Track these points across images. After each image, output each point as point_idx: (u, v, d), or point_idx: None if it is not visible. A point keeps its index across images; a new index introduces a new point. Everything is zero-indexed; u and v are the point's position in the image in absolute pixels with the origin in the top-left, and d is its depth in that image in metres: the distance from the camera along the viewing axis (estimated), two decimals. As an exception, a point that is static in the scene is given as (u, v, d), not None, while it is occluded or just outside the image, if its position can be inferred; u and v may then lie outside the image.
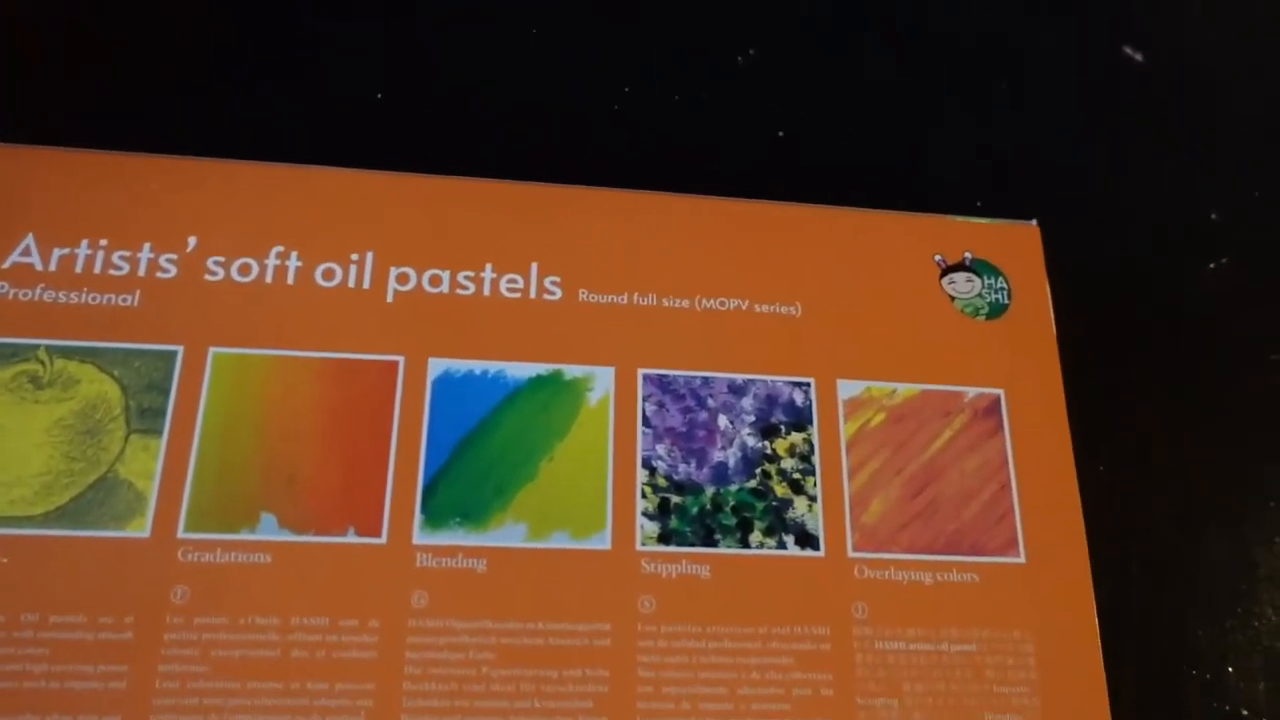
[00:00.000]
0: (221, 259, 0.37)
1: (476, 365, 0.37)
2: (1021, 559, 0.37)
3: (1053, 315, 0.41)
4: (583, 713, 0.33)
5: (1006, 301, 0.41)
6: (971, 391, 0.39)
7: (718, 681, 0.34)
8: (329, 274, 0.37)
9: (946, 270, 0.41)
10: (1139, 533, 0.40)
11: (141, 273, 0.36)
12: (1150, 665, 0.38)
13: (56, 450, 0.33)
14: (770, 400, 0.38)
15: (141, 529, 0.33)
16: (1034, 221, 0.43)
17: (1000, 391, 0.39)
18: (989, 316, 0.40)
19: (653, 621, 0.34)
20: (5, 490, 0.33)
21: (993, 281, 0.41)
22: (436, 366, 0.36)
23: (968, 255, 0.41)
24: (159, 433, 0.34)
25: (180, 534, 0.33)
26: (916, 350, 0.39)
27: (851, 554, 0.36)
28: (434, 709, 0.32)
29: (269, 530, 0.34)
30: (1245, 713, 0.39)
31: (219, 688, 0.32)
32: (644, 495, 0.36)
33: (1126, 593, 0.38)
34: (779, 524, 0.36)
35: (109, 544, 0.33)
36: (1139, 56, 0.48)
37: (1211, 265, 0.46)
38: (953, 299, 0.40)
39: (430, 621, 0.33)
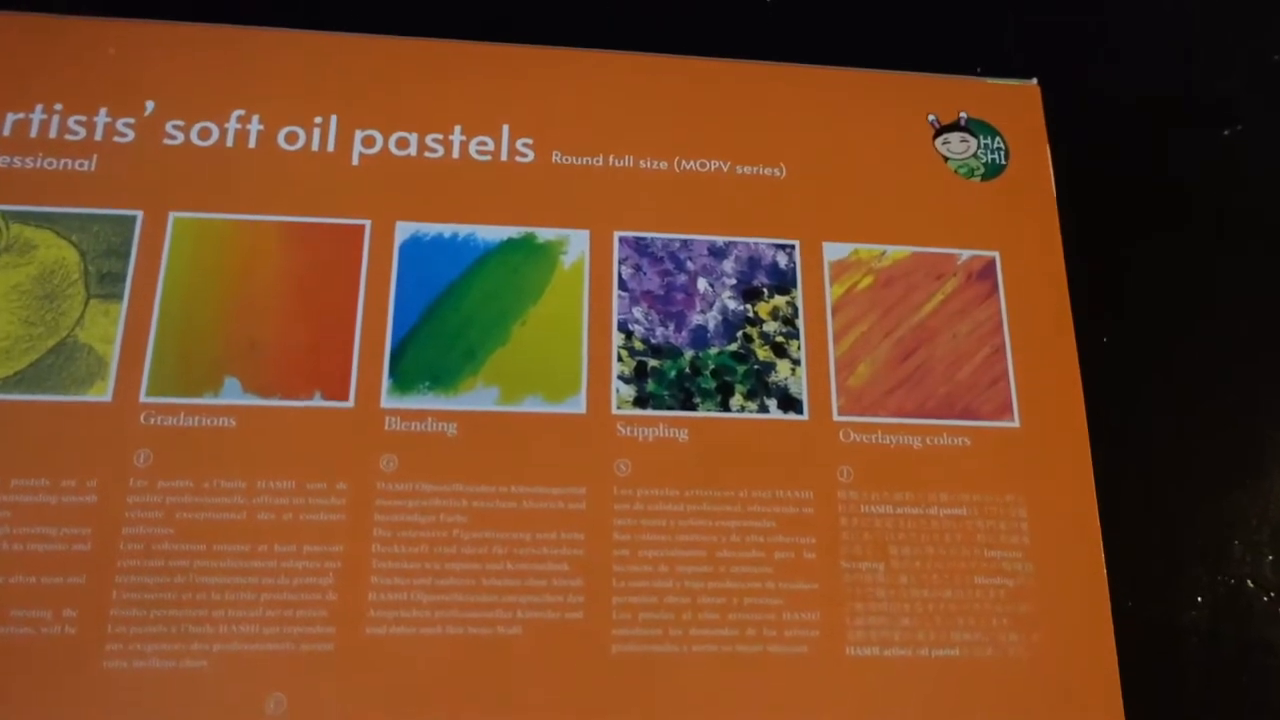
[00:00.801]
0: (180, 123, 0.35)
1: (446, 228, 0.35)
2: (1016, 423, 0.35)
3: (1053, 177, 0.39)
4: (558, 575, 0.32)
5: (1004, 162, 0.39)
6: (965, 254, 0.37)
7: (696, 545, 0.33)
8: (292, 138, 0.36)
9: (940, 131, 0.39)
10: (1140, 400, 0.38)
11: (98, 137, 0.35)
12: (1150, 535, 0.37)
13: (14, 315, 0.33)
14: (752, 263, 0.36)
15: (103, 393, 0.32)
16: (1034, 80, 0.41)
17: (995, 254, 0.38)
18: (985, 178, 0.39)
19: (629, 485, 0.33)
20: (-37, 355, 0.32)
21: (989, 142, 0.39)
22: (404, 230, 0.35)
23: (963, 115, 0.39)
24: (119, 297, 0.33)
25: (142, 398, 0.32)
26: (907, 212, 0.38)
27: (837, 417, 0.35)
28: (404, 570, 0.32)
29: (233, 394, 0.33)
30: (1250, 584, 0.38)
31: (184, 550, 0.31)
32: (620, 359, 0.35)
33: (1125, 461, 0.37)
34: (761, 387, 0.35)
35: (70, 408, 0.32)
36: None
37: (1226, 132, 0.44)
38: (946, 160, 0.39)
39: (399, 485, 0.32)
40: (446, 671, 0.31)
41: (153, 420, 0.32)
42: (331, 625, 0.31)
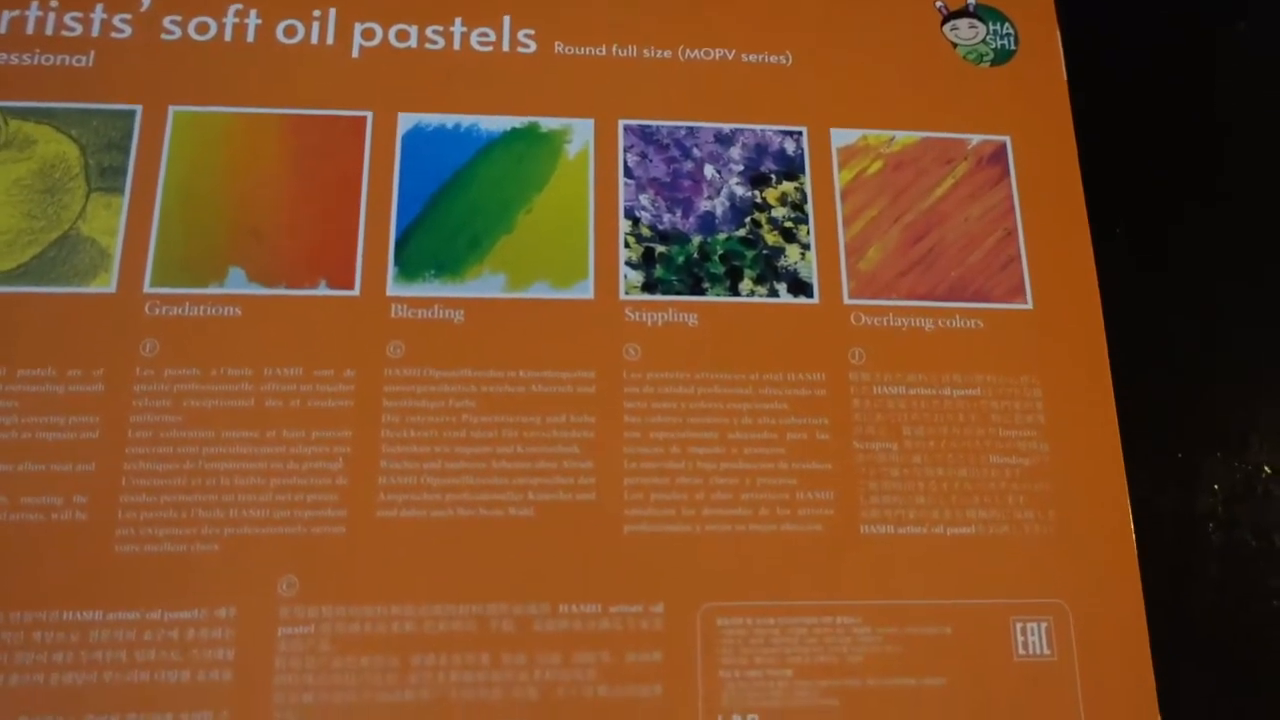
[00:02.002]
0: (177, 18, 0.35)
1: (448, 119, 0.35)
2: (1029, 305, 0.35)
3: (1063, 61, 0.39)
4: (568, 457, 0.32)
5: (1013, 48, 0.38)
6: (975, 139, 0.37)
7: (708, 426, 0.33)
8: (290, 30, 0.35)
9: (948, 17, 0.38)
10: (1154, 283, 0.38)
11: (95, 33, 0.34)
12: (1166, 417, 0.36)
13: (16, 209, 0.32)
14: (760, 149, 0.36)
15: (107, 284, 0.32)
16: (1043, -34, 0.40)
17: (1006, 138, 0.37)
18: (994, 63, 0.38)
19: (639, 369, 0.33)
20: (-34, 249, 0.32)
21: (998, 27, 0.38)
22: (406, 121, 0.35)
23: (970, 1, 0.39)
24: (120, 191, 0.33)
25: (147, 289, 0.32)
26: (916, 98, 0.37)
27: (847, 301, 0.34)
28: (414, 455, 0.31)
29: (238, 284, 0.32)
30: (1268, 470, 0.37)
31: (193, 436, 0.31)
32: (627, 245, 0.34)
33: (1142, 345, 0.37)
34: (770, 272, 0.34)
35: (74, 300, 0.32)
36: None
37: (1241, 25, 0.43)
38: (955, 45, 0.38)
39: (407, 371, 0.32)
40: (458, 553, 0.31)
41: (158, 310, 0.32)
42: (342, 509, 0.31)
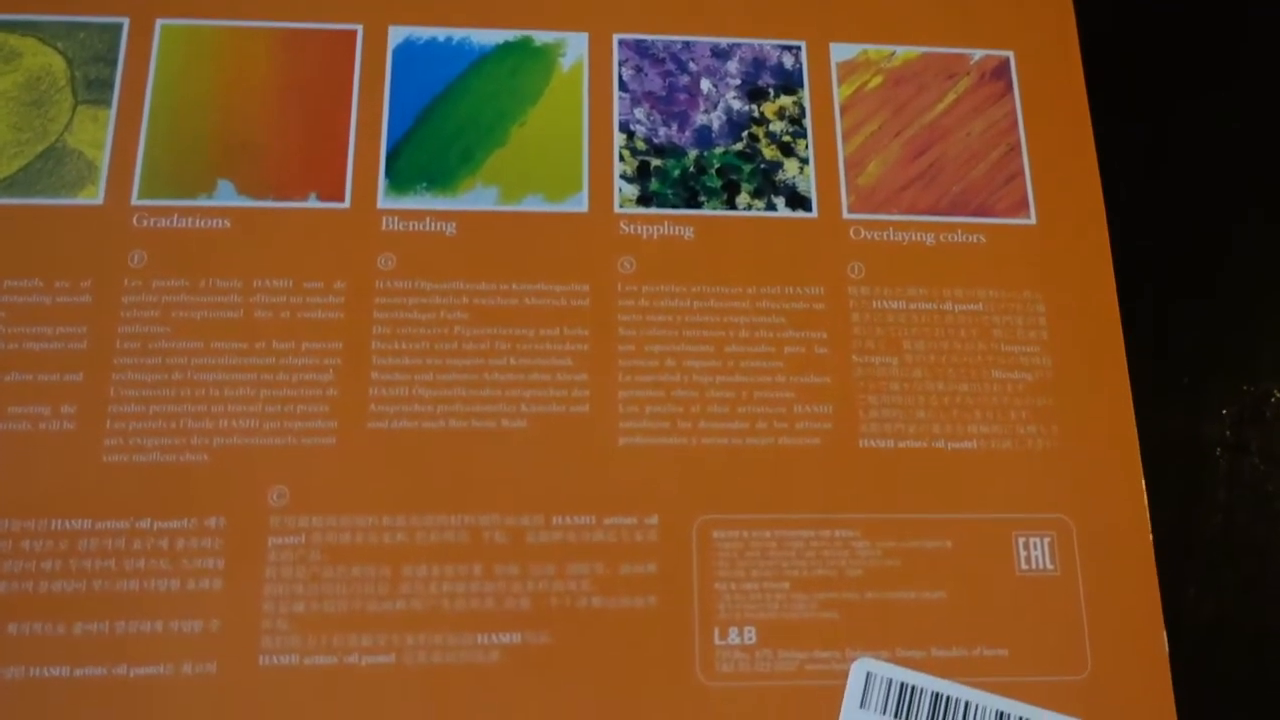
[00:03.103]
0: (165, -69, 0.35)
1: (439, 32, 0.34)
2: (1032, 220, 0.34)
3: (1069, -23, 0.38)
4: (561, 370, 0.31)
5: (1017, -37, 0.37)
6: (978, 54, 0.36)
7: (704, 340, 0.32)
8: (279, -56, 0.35)
9: (951, -68, 0.38)
10: (1160, 197, 0.37)
11: (81, -54, 0.34)
12: (1171, 336, 0.36)
13: (2, 122, 0.32)
14: (757, 63, 0.35)
15: (94, 196, 0.32)
16: (1049, -119, 0.39)
17: (1010, 53, 0.36)
18: (998, -22, 0.37)
19: (633, 281, 0.32)
20: (-48, 161, 0.32)
21: (1002, -58, 0.38)
22: (397, 34, 0.34)
23: (974, -85, 0.38)
24: (108, 104, 0.32)
25: (134, 201, 0.32)
26: (916, 12, 0.36)
27: (847, 215, 0.34)
28: (405, 366, 0.31)
29: (227, 196, 0.32)
30: (1277, 395, 0.37)
31: (181, 347, 0.30)
32: (622, 158, 0.34)
33: (1148, 263, 0.36)
34: (768, 186, 0.34)
35: (62, 211, 0.31)
36: None
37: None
38: (957, -40, 0.37)
39: (398, 283, 0.32)
40: (450, 463, 0.30)
41: (145, 222, 0.32)
42: (333, 420, 0.30)
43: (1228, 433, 0.35)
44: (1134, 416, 0.33)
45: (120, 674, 0.28)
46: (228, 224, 0.32)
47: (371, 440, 0.30)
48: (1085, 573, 0.31)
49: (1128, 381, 0.33)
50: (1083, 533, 0.31)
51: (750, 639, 0.30)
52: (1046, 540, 0.31)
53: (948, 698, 0.30)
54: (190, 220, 0.32)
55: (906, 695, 0.30)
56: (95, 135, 0.32)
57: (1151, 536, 0.32)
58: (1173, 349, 0.35)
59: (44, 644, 0.28)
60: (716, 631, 0.30)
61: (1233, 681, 0.33)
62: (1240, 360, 0.36)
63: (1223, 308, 0.36)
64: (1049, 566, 0.31)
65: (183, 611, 0.28)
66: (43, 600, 0.28)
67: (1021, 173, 0.35)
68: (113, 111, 0.32)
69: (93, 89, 0.32)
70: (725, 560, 0.30)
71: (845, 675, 0.30)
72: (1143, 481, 0.32)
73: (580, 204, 0.33)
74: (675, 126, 0.34)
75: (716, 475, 0.31)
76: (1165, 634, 0.31)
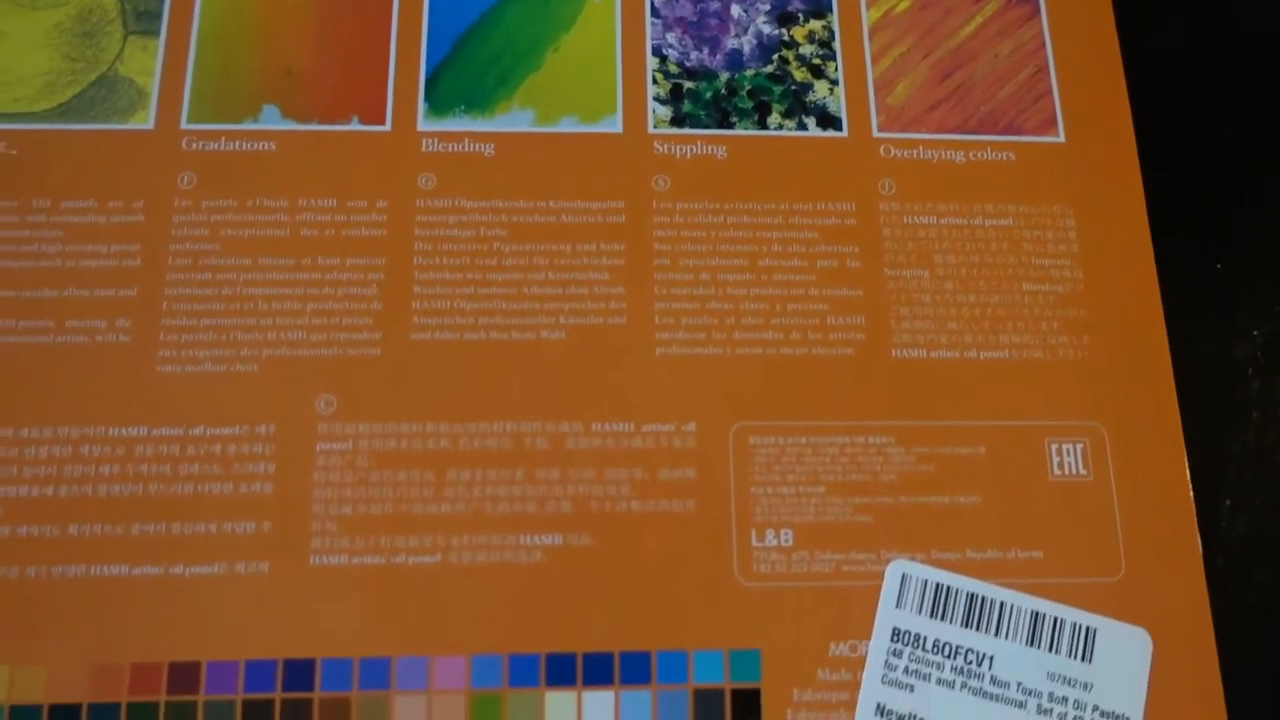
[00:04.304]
0: None
1: (475, -38, 0.35)
2: (1061, 138, 0.35)
3: (1095, -96, 0.38)
4: (599, 284, 0.32)
5: (1043, -110, 0.38)
6: (1005, -22, 0.37)
7: (737, 254, 0.33)
8: (319, -119, 0.36)
9: None
10: (1189, 114, 0.37)
11: (128, -115, 0.35)
12: (1202, 256, 0.36)
13: (56, 52, 0.33)
14: (786, -11, 0.36)
15: (145, 121, 0.33)
16: None
17: (1037, -23, 0.37)
18: (1024, -95, 0.38)
19: (668, 199, 0.33)
20: (9, 89, 0.33)
21: None
22: (434, -35, 0.35)
23: None
24: (156, 34, 0.33)
25: (183, 125, 0.33)
26: (944, -62, 0.37)
27: (877, 134, 0.34)
28: (446, 281, 0.32)
29: (272, 120, 0.33)
30: (1311, 314, 0.37)
31: (230, 264, 0.31)
32: (655, 81, 0.34)
33: (1178, 178, 0.36)
34: (799, 106, 0.34)
35: (114, 136, 0.32)
36: None
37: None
38: (983, -112, 0.38)
39: (439, 201, 0.33)
40: (491, 373, 0.31)
41: (194, 145, 0.33)
42: (377, 332, 0.31)
43: (1259, 354, 0.36)
44: (1165, 328, 0.33)
45: (176, 573, 0.29)
46: (273, 146, 0.33)
47: (415, 351, 0.31)
48: (1118, 479, 0.31)
49: (1158, 294, 0.34)
50: (1115, 440, 0.32)
51: (787, 541, 0.30)
52: (1079, 447, 0.32)
53: (983, 598, 0.30)
54: (237, 143, 0.33)
55: (942, 595, 0.30)
56: (145, 64, 0.33)
57: (1185, 445, 0.32)
58: (1204, 268, 0.36)
59: (103, 544, 0.29)
60: (754, 534, 0.30)
61: (1267, 592, 0.33)
62: (1273, 282, 0.36)
63: (1255, 227, 0.36)
64: (1082, 472, 0.32)
65: (235, 514, 0.29)
66: (101, 503, 0.29)
67: (1050, 92, 0.35)
68: (161, 41, 0.33)
69: (142, 20, 0.33)
70: (762, 465, 0.31)
71: (881, 576, 0.30)
72: (1174, 390, 0.33)
73: (615, 125, 0.34)
74: (707, 51, 0.35)
75: (752, 384, 0.31)
76: (1199, 538, 0.31)
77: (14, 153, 0.32)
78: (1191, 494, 0.32)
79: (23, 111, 0.32)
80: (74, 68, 0.33)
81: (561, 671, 0.29)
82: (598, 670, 0.29)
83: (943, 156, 0.34)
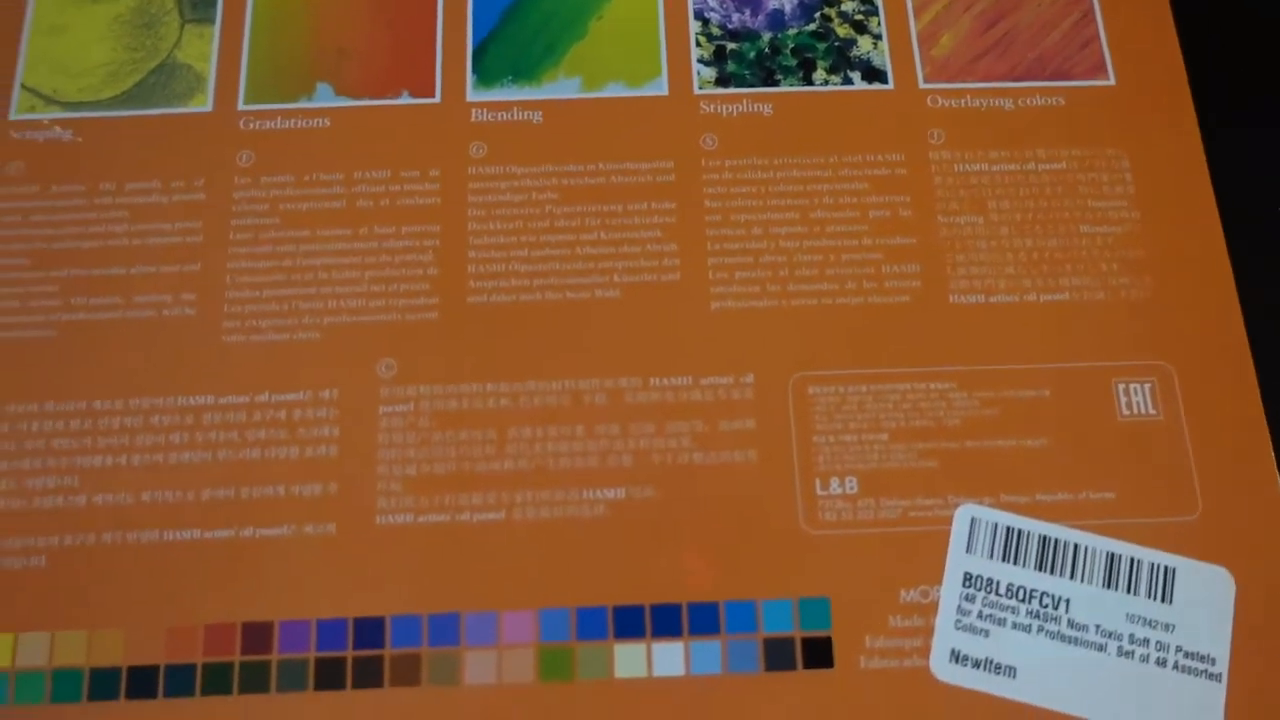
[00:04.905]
0: None
1: (517, -61, 0.36)
2: (1111, 81, 0.34)
3: None
4: (651, 241, 0.32)
5: None
6: (1045, -72, 0.37)
7: (789, 208, 0.33)
8: None
9: None
10: (1243, 50, 0.36)
11: (182, -116, 0.37)
12: (1261, 192, 0.35)
13: (118, 43, 0.34)
14: (825, -51, 0.36)
15: (203, 104, 0.34)
16: None
17: (1077, -74, 0.37)
18: None
19: (717, 157, 0.33)
20: (73, 80, 0.34)
21: None
22: (477, -57, 0.36)
23: None
24: (211, 21, 0.34)
25: (241, 106, 0.34)
26: (981, -107, 0.37)
27: (923, 85, 0.34)
28: (500, 245, 0.32)
29: (325, 98, 0.34)
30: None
31: (290, 236, 0.32)
32: (698, 44, 0.34)
33: (1233, 114, 0.35)
34: (843, 61, 0.34)
35: (174, 120, 0.33)
36: None
37: None
38: None
39: (490, 168, 0.33)
40: (548, 332, 0.31)
41: (251, 125, 0.33)
42: (434, 296, 0.31)
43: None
44: (1229, 264, 0.33)
45: (247, 536, 0.29)
46: (327, 123, 0.33)
47: (472, 314, 0.31)
48: (1189, 417, 0.31)
49: (1220, 230, 0.33)
50: (1184, 378, 0.31)
51: (852, 488, 0.30)
52: (1147, 386, 0.31)
53: (1056, 540, 0.30)
54: (293, 121, 0.33)
55: (1014, 539, 0.30)
56: (202, 50, 0.34)
57: (1257, 380, 0.31)
58: (1262, 206, 0.35)
59: (175, 509, 0.29)
60: (818, 482, 0.30)
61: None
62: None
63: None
64: (1151, 412, 0.31)
65: (302, 477, 0.30)
66: (172, 470, 0.30)
67: (1097, 37, 0.35)
68: (216, 28, 0.34)
69: (198, 9, 0.34)
70: (822, 414, 0.31)
71: (949, 521, 0.30)
72: (1243, 325, 0.32)
73: (660, 88, 0.34)
74: (748, 12, 0.35)
75: (809, 334, 0.31)
76: (1278, 473, 0.30)
77: (80, 140, 0.33)
78: (1267, 430, 0.31)
79: (87, 100, 0.33)
80: (134, 57, 0.34)
81: (630, 623, 0.29)
82: (666, 622, 0.29)
83: (991, 105, 0.34)
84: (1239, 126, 0.35)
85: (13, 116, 0.33)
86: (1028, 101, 0.34)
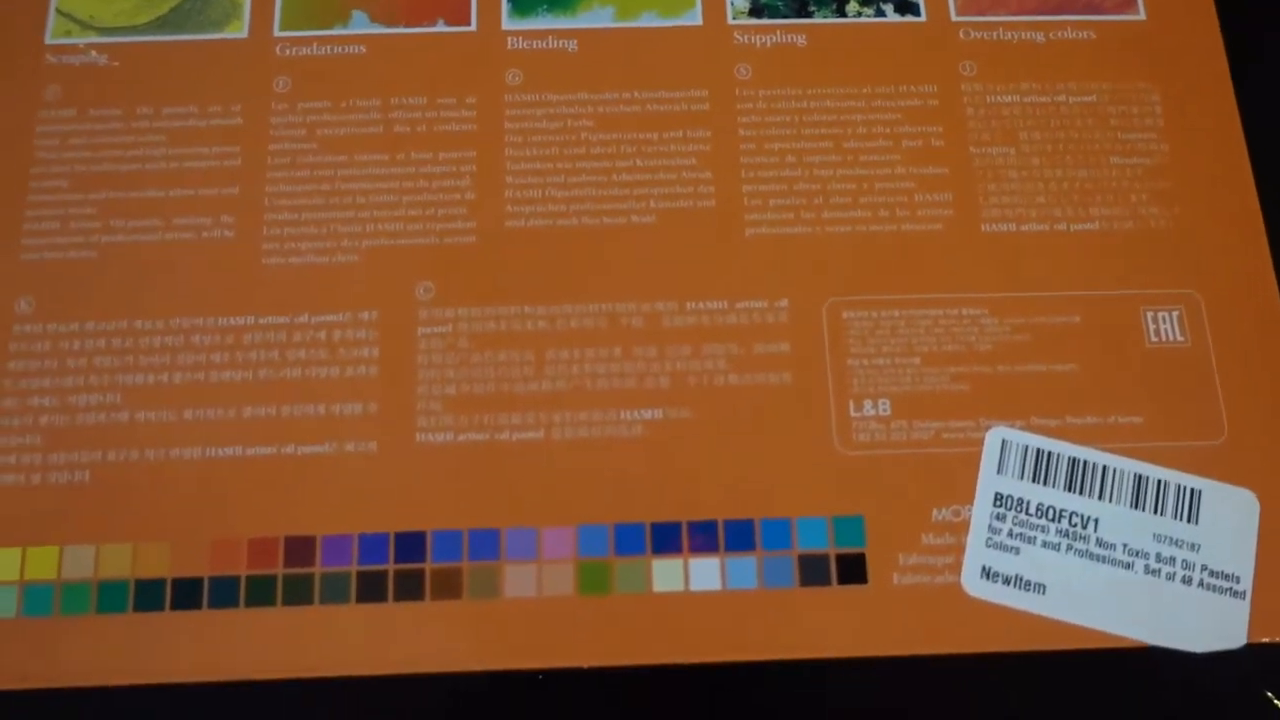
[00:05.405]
0: None
1: None
2: (1141, 16, 0.35)
3: None
4: (687, 169, 0.33)
5: None
6: None
7: (823, 137, 0.33)
8: None
9: None
10: (1275, 2, 0.37)
11: None
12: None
13: (152, -32, 0.34)
14: (858, -117, 0.36)
15: (239, 30, 0.34)
16: None
17: None
18: None
19: (751, 86, 0.33)
20: (108, 4, 0.34)
21: None
22: (510, -126, 0.36)
23: None
24: (246, -52, 0.35)
25: (276, 33, 0.34)
26: None
27: (955, 17, 0.34)
28: (537, 170, 0.32)
29: (361, 25, 0.34)
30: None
31: (327, 160, 0.32)
32: (732, -25, 0.35)
33: (1262, 51, 0.36)
34: (875, -6, 0.35)
35: (210, 45, 0.33)
36: None
37: None
38: None
39: (526, 96, 0.33)
40: (584, 257, 0.31)
41: (287, 51, 0.33)
42: (472, 220, 0.32)
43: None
44: (1256, 196, 0.33)
45: (288, 452, 0.30)
46: (363, 50, 0.33)
47: (509, 238, 0.32)
48: (1216, 344, 0.31)
49: (1248, 164, 0.33)
50: (1211, 306, 0.31)
51: (885, 410, 0.31)
52: (1175, 314, 0.32)
53: (1085, 462, 0.30)
54: (328, 48, 0.33)
55: (1044, 461, 0.30)
56: (237, -23, 0.34)
57: (1282, 309, 0.32)
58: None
59: (217, 427, 0.30)
60: (851, 404, 0.30)
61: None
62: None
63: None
64: (1179, 338, 0.31)
65: (342, 395, 0.30)
66: (214, 388, 0.30)
67: (1127, -28, 0.35)
68: (252, -45, 0.35)
69: (232, -64, 0.35)
70: (856, 338, 0.31)
71: (981, 443, 0.30)
72: (1269, 257, 0.32)
73: (694, 18, 0.34)
74: (782, -56, 0.35)
75: (842, 261, 0.32)
76: (1303, 399, 0.31)
77: (116, 64, 0.33)
78: (1292, 357, 0.31)
79: (122, 25, 0.33)
80: (170, -17, 0.34)
81: (667, 539, 0.29)
82: (702, 538, 0.29)
83: (1022, 37, 0.34)
84: (1268, 61, 0.35)
85: (48, 41, 0.34)
86: (1058, 35, 0.34)
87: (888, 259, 0.32)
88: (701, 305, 0.31)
